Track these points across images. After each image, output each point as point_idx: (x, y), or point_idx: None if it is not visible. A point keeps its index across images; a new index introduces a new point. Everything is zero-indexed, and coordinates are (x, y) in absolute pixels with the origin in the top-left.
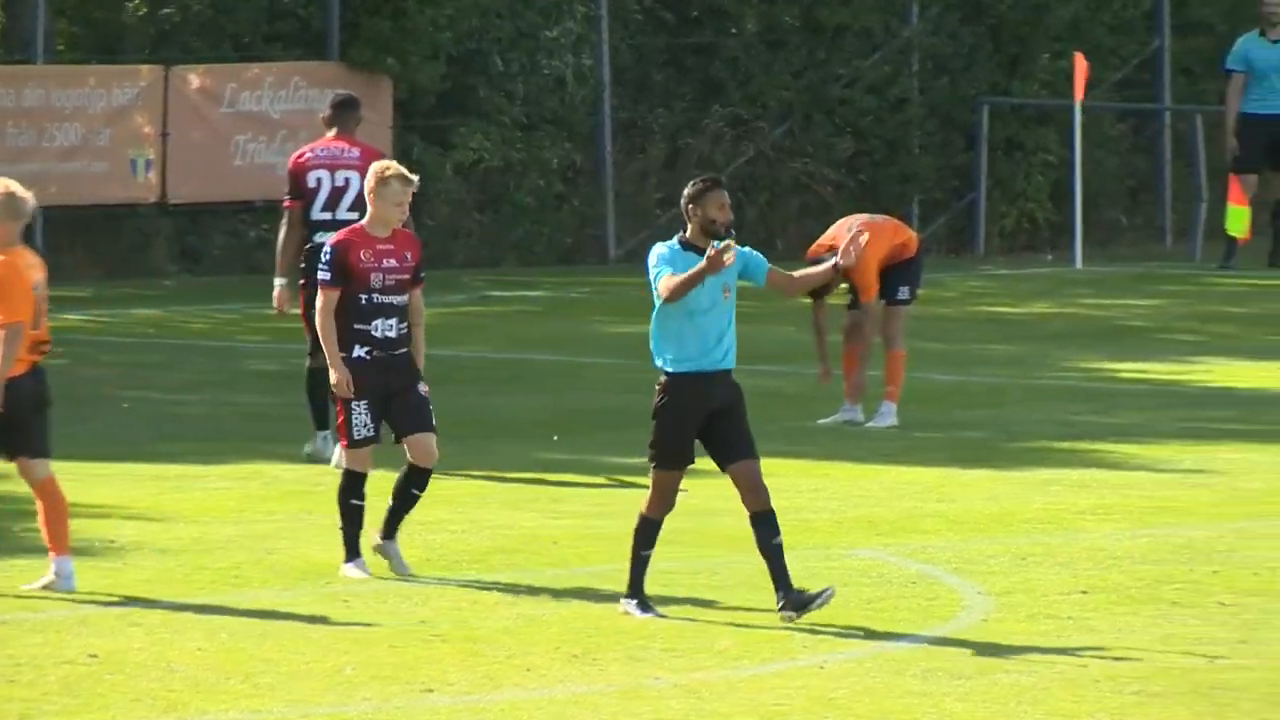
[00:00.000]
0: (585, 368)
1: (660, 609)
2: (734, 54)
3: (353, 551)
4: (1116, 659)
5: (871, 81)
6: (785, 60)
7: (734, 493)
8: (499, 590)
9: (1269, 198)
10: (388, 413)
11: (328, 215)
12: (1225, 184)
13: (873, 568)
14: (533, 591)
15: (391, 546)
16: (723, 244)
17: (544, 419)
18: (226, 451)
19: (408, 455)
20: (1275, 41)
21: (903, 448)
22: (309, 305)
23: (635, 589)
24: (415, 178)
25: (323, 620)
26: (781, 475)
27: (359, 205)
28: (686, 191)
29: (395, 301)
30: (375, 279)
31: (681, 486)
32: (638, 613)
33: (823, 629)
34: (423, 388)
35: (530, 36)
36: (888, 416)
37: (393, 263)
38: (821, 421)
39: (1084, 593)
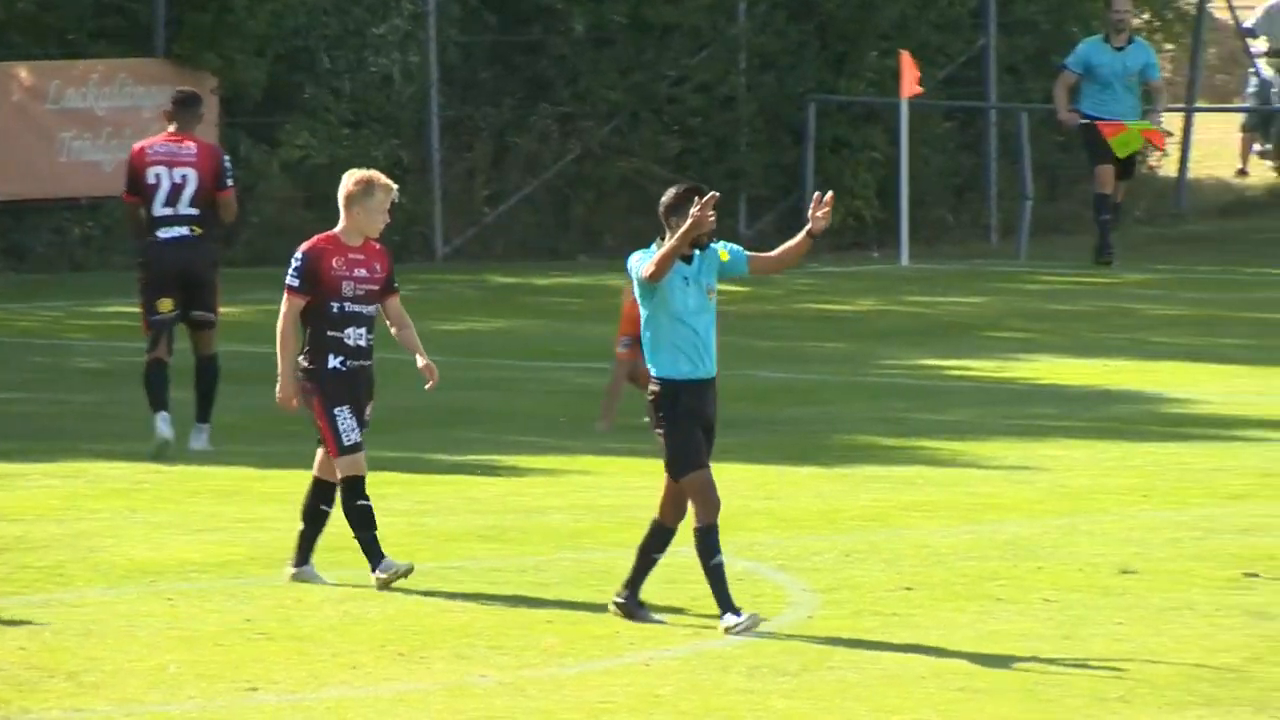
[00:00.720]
0: (412, 365)
1: (485, 606)
2: (562, 52)
3: (376, 555)
4: (941, 655)
5: (699, 80)
6: (613, 58)
7: (562, 489)
8: (325, 588)
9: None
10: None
11: (169, 211)
12: (1049, 183)
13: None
14: (358, 590)
15: (308, 570)
16: (706, 196)
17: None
18: (51, 450)
19: (333, 470)
20: (1120, 49)
21: (730, 445)
22: (146, 300)
23: (724, 602)
24: (395, 186)
25: (147, 619)
26: (612, 474)
27: (199, 201)
28: (665, 200)
29: (365, 311)
30: (347, 287)
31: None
32: (734, 618)
33: (650, 627)
34: (369, 410)
35: (357, 34)
36: None
37: (363, 272)
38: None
39: (909, 589)
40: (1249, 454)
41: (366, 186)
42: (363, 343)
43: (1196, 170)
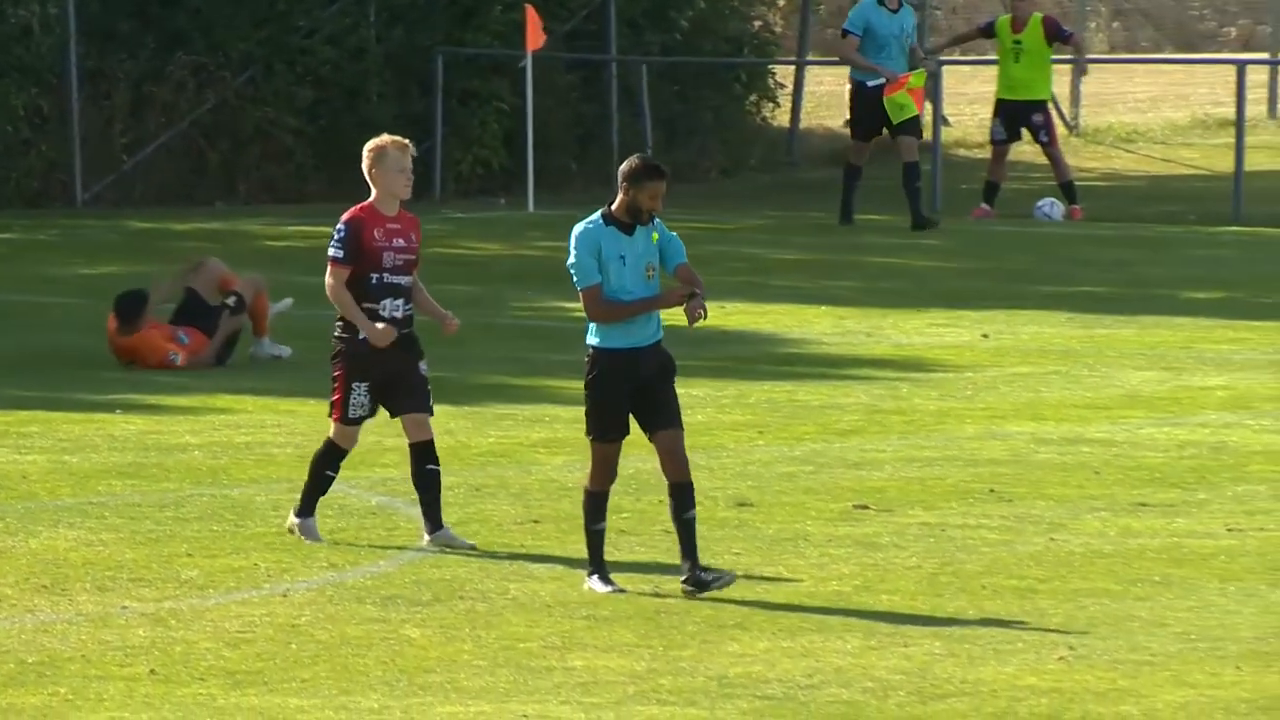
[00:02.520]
0: (53, 308)
1: (126, 540)
2: (197, 5)
3: (308, 509)
4: (567, 585)
5: (330, 32)
6: (247, 11)
7: (200, 427)
8: None
9: (894, 163)
10: (385, 395)
11: None
12: (667, 133)
13: (334, 499)
14: (2, 524)
15: (446, 534)
16: (692, 301)
17: (12, 359)
18: None
19: (404, 433)
20: (894, 11)
21: None
22: None
23: (596, 564)
24: (409, 142)
25: None
26: (249, 412)
27: None
28: (625, 168)
29: (403, 282)
30: (387, 259)
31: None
32: (601, 587)
33: (287, 559)
34: (423, 367)
35: None
36: (276, 348)
37: (401, 242)
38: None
39: (536, 522)
40: (858, 391)
41: (379, 153)
42: (399, 314)
43: (808, 121)
